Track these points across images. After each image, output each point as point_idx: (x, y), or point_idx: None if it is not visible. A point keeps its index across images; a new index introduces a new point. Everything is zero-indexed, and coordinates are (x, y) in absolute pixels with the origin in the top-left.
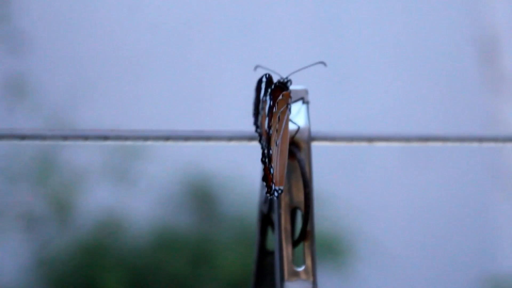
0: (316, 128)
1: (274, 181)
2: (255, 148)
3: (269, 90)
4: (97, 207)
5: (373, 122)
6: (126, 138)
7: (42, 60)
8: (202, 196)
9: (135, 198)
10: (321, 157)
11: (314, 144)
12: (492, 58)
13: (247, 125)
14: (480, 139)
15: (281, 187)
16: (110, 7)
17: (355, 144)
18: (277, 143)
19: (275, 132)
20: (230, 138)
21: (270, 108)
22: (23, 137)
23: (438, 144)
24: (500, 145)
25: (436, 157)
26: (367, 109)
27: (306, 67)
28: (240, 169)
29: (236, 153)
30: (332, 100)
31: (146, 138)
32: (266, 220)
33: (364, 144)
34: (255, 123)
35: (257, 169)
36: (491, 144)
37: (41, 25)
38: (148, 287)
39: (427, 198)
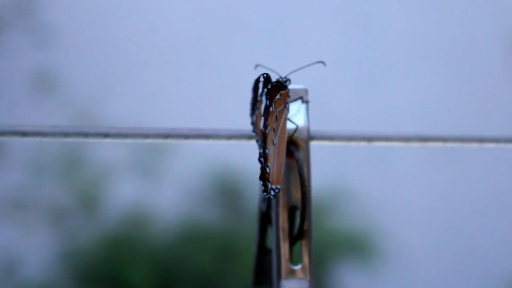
0: (325, 127)
1: (270, 180)
2: None
3: (266, 89)
4: (124, 201)
5: (398, 120)
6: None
7: (68, 54)
8: (228, 191)
9: (161, 193)
10: (343, 155)
11: (331, 144)
12: None
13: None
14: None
15: (278, 186)
16: (137, 2)
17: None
18: (274, 142)
19: (271, 131)
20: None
21: (266, 107)
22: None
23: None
24: (500, 145)
25: (459, 156)
26: (393, 107)
27: (305, 66)
28: None
29: None
30: (360, 98)
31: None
32: (265, 218)
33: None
34: (252, 122)
35: None
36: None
37: (67, 19)
38: (174, 281)
39: (451, 197)
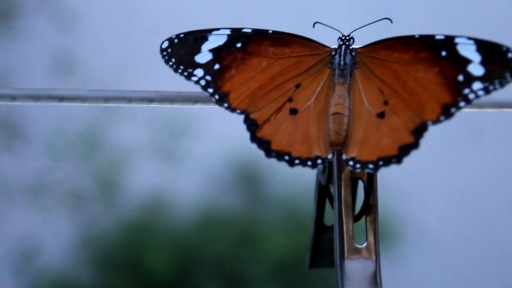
0: None
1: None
2: None
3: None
4: (143, 186)
5: None
6: (172, 100)
7: (91, 38)
8: (248, 177)
9: (181, 178)
10: None
11: None
12: None
13: None
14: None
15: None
16: None
17: None
18: None
19: None
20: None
21: None
22: (61, 98)
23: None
24: None
25: (487, 139)
26: None
27: (371, 23)
28: None
29: None
30: None
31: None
32: (324, 192)
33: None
34: None
35: None
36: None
37: (90, 3)
38: (194, 267)
39: (478, 181)
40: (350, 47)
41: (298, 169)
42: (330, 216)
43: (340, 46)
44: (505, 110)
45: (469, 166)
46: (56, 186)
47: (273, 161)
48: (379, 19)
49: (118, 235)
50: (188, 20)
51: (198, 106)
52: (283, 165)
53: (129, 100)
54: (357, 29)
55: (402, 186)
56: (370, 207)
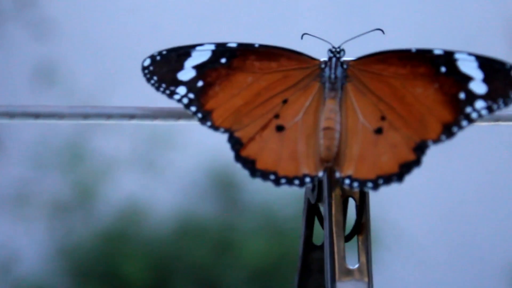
0: None
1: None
2: None
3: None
4: (122, 195)
5: None
6: (154, 117)
7: (69, 46)
8: (225, 184)
9: (159, 186)
10: None
11: None
12: None
13: None
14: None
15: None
16: None
17: None
18: None
19: None
20: None
21: None
22: (37, 115)
23: None
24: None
25: (461, 142)
26: None
27: (362, 34)
28: None
29: None
30: None
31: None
32: (313, 210)
33: None
34: None
35: None
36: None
37: (68, 11)
38: (171, 275)
39: (452, 185)
40: (341, 60)
41: None
42: (319, 234)
43: (330, 58)
44: (501, 123)
45: (445, 173)
46: (36, 196)
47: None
48: (370, 30)
49: (95, 244)
50: (169, 31)
51: (181, 123)
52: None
53: (109, 116)
54: (348, 40)
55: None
56: (362, 226)
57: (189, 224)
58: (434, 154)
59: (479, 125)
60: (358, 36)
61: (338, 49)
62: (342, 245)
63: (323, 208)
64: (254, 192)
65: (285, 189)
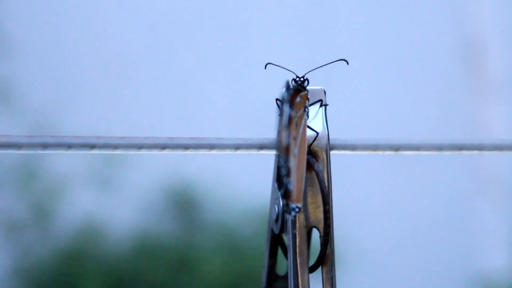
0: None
1: (291, 198)
2: (238, 155)
3: (288, 96)
4: (79, 214)
5: (355, 127)
6: (115, 146)
7: (26, 64)
8: (184, 203)
9: (116, 205)
10: None
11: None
12: (476, 62)
13: (242, 132)
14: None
15: (299, 204)
16: (97, 12)
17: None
18: (295, 153)
19: (292, 141)
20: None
21: (290, 116)
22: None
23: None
24: (456, 152)
25: (419, 163)
26: (350, 113)
27: (326, 64)
28: (222, 175)
29: (218, 160)
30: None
31: (140, 146)
32: (276, 240)
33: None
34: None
35: (240, 176)
36: (475, 152)
37: (25, 29)
38: None
39: (412, 203)
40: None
41: (233, 194)
42: (282, 263)
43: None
44: (464, 152)
45: (407, 195)
46: None
47: (207, 186)
48: (335, 60)
49: (53, 263)
50: (127, 49)
51: (143, 152)
52: (217, 190)
53: (69, 147)
54: (312, 70)
55: (340, 209)
56: (326, 257)
57: (147, 242)
58: (397, 177)
59: (444, 153)
60: (320, 67)
61: (302, 79)
62: (307, 276)
63: (286, 239)
64: (212, 211)
65: (243, 207)
